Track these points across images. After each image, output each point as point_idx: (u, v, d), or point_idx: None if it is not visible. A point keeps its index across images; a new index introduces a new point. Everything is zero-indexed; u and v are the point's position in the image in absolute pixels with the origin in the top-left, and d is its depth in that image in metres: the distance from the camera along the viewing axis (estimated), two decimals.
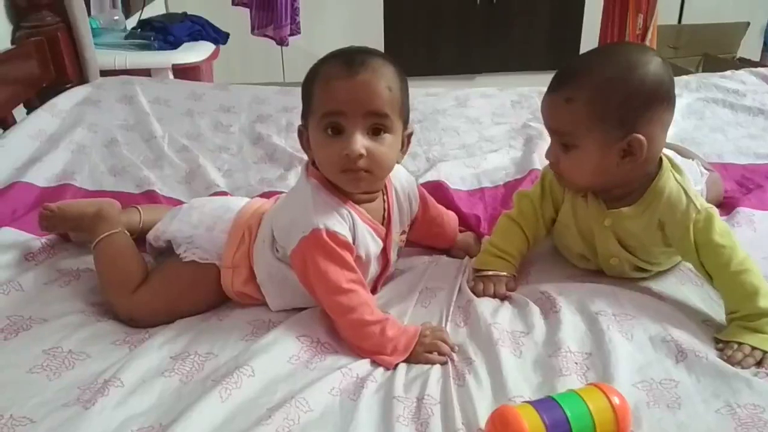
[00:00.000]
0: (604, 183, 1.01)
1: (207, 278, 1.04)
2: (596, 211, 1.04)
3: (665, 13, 2.82)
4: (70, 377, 0.87)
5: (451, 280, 1.09)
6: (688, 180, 1.03)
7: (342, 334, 0.95)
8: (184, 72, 2.24)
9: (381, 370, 0.90)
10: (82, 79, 1.92)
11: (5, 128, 1.61)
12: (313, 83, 0.95)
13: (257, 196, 1.32)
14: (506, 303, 1.04)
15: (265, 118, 1.77)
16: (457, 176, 1.44)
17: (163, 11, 3.10)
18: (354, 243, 0.97)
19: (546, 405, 0.75)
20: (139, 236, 1.16)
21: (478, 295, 1.05)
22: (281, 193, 1.25)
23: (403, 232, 1.12)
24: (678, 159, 1.09)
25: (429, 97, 1.92)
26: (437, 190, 1.33)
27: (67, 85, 1.84)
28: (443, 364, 0.90)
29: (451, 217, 1.24)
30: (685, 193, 0.99)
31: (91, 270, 1.10)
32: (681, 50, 3.53)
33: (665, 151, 1.03)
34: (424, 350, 0.91)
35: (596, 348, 0.91)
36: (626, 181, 1.01)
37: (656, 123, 0.96)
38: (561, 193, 1.09)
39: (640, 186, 1.01)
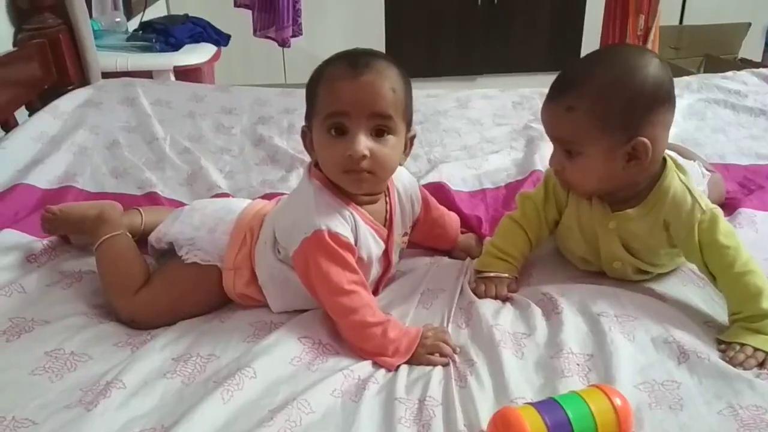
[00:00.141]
0: (611, 187, 1.01)
1: (209, 280, 1.04)
2: (600, 214, 1.04)
3: (666, 14, 2.82)
4: (72, 379, 0.87)
5: (452, 281, 1.09)
6: (692, 180, 1.03)
7: (343, 335, 0.95)
8: (185, 74, 2.25)
9: (383, 371, 0.90)
10: (83, 81, 1.92)
11: (7, 130, 1.61)
12: (317, 84, 0.95)
13: (259, 197, 1.32)
14: (508, 304, 1.04)
15: (266, 119, 1.78)
16: (459, 177, 1.44)
17: (164, 13, 3.11)
18: (356, 244, 0.97)
19: (548, 406, 0.75)
20: (141, 238, 1.16)
21: (479, 297, 1.05)
22: (283, 194, 1.25)
23: (405, 234, 1.12)
24: (680, 160, 1.09)
25: (430, 98, 1.92)
26: (438, 191, 1.33)
27: (69, 87, 1.84)
28: (445, 365, 0.90)
29: (452, 219, 1.24)
30: (690, 193, 0.99)
31: (93, 272, 1.11)
32: (682, 51, 3.53)
33: (668, 152, 1.03)
34: (426, 352, 0.91)
35: (598, 349, 0.91)
36: (631, 184, 1.01)
37: (659, 125, 0.96)
38: (564, 195, 1.09)
39: (645, 187, 1.01)
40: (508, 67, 3.90)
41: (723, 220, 0.98)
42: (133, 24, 2.56)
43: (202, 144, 1.65)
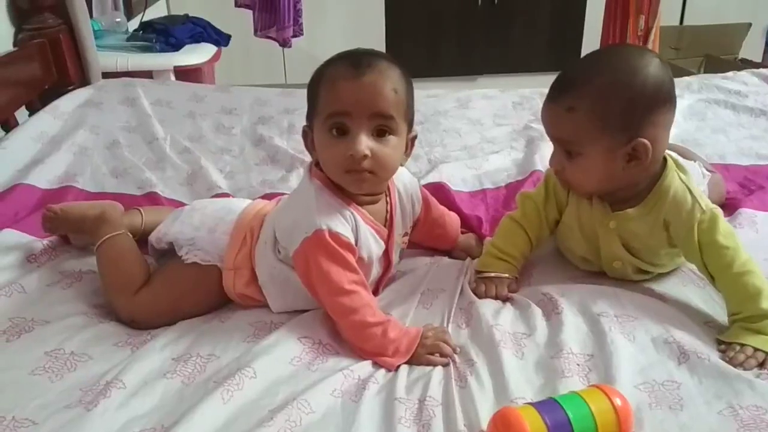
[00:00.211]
0: (611, 187, 1.01)
1: (209, 280, 1.04)
2: (601, 213, 1.04)
3: (667, 14, 2.82)
4: (72, 379, 0.87)
5: (452, 281, 1.09)
6: (692, 180, 1.03)
7: (343, 335, 0.95)
8: (185, 74, 2.25)
9: (383, 371, 0.90)
10: (84, 81, 1.92)
11: (7, 130, 1.61)
12: (319, 84, 0.95)
13: (259, 197, 1.32)
14: (508, 305, 1.04)
15: (266, 119, 1.77)
16: (459, 178, 1.44)
17: (164, 13, 3.11)
18: (356, 244, 0.97)
19: (548, 406, 0.75)
20: (141, 238, 1.16)
21: (479, 297, 1.05)
22: (283, 194, 1.25)
23: (406, 234, 1.12)
24: (680, 160, 1.09)
25: (430, 98, 1.92)
26: (439, 191, 1.33)
27: (69, 87, 1.84)
28: (445, 365, 0.90)
29: (453, 218, 1.24)
30: (690, 192, 0.99)
31: (93, 272, 1.11)
32: (683, 51, 3.53)
33: (668, 152, 1.03)
34: (426, 352, 0.91)
35: (598, 349, 0.91)
36: (632, 184, 1.01)
37: (659, 125, 0.96)
38: (565, 195, 1.09)
39: (645, 187, 1.01)
40: (508, 67, 3.90)
41: (723, 221, 0.98)
42: (134, 24, 2.57)
43: (202, 144, 1.65)
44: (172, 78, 2.20)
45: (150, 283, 1.05)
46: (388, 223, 1.05)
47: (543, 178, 1.13)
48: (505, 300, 1.05)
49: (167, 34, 2.32)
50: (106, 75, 1.99)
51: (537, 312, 0.99)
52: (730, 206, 1.30)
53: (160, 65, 2.21)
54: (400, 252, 1.11)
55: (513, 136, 1.70)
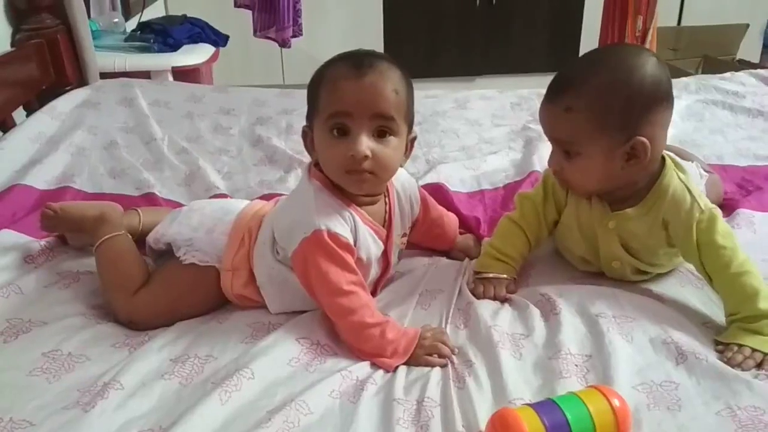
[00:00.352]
0: (610, 187, 1.01)
1: (207, 281, 1.04)
2: (600, 213, 1.04)
3: (665, 15, 2.82)
4: (69, 380, 0.87)
5: (451, 282, 1.09)
6: (691, 179, 1.03)
7: (342, 336, 0.95)
8: (183, 74, 2.25)
9: (381, 372, 0.90)
10: (81, 81, 1.92)
11: (5, 131, 1.61)
12: (319, 84, 0.95)
13: (257, 198, 1.32)
14: (506, 305, 1.04)
15: (264, 120, 1.77)
16: (457, 178, 1.44)
17: (162, 13, 3.11)
18: (355, 245, 0.97)
19: (546, 407, 0.75)
20: (139, 239, 1.16)
21: (478, 298, 1.05)
22: (281, 195, 1.25)
23: (404, 235, 1.12)
24: (678, 160, 1.09)
25: (429, 99, 1.92)
26: (437, 192, 1.33)
27: (67, 88, 1.84)
28: (443, 366, 0.90)
29: (451, 219, 1.24)
30: (689, 192, 0.99)
31: (91, 273, 1.10)
32: (680, 52, 3.53)
33: (666, 152, 1.03)
34: (424, 353, 0.91)
35: (596, 350, 0.91)
36: (631, 183, 1.01)
37: (657, 124, 0.96)
38: (563, 195, 1.09)
39: (644, 186, 1.01)
40: (507, 67, 3.91)
41: (721, 221, 0.98)
42: (132, 24, 2.57)
43: (200, 144, 1.65)
44: (170, 78, 2.20)
45: (148, 284, 1.05)
46: (387, 223, 1.05)
47: (541, 179, 1.13)
48: (503, 301, 1.05)
49: (165, 34, 2.31)
50: (104, 75, 1.99)
51: (535, 313, 0.99)
52: (728, 207, 1.30)
53: (157, 66, 2.21)
54: (398, 253, 1.11)
55: (511, 136, 1.70)
